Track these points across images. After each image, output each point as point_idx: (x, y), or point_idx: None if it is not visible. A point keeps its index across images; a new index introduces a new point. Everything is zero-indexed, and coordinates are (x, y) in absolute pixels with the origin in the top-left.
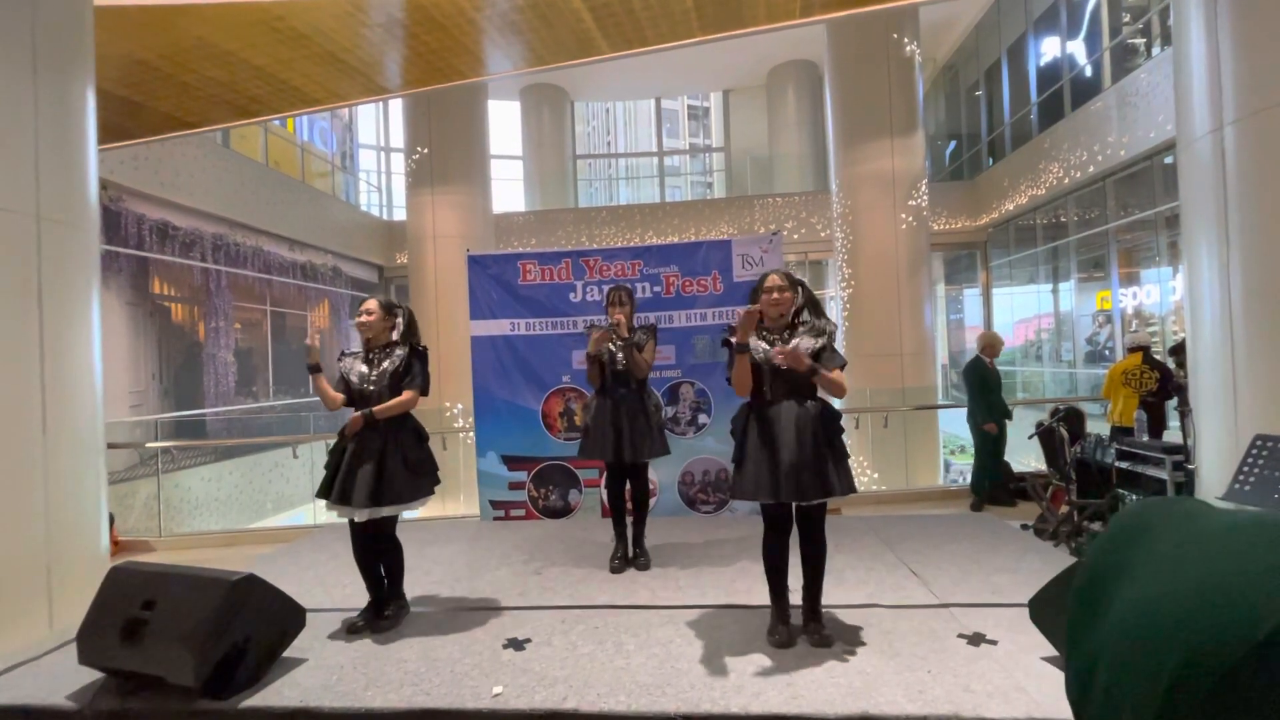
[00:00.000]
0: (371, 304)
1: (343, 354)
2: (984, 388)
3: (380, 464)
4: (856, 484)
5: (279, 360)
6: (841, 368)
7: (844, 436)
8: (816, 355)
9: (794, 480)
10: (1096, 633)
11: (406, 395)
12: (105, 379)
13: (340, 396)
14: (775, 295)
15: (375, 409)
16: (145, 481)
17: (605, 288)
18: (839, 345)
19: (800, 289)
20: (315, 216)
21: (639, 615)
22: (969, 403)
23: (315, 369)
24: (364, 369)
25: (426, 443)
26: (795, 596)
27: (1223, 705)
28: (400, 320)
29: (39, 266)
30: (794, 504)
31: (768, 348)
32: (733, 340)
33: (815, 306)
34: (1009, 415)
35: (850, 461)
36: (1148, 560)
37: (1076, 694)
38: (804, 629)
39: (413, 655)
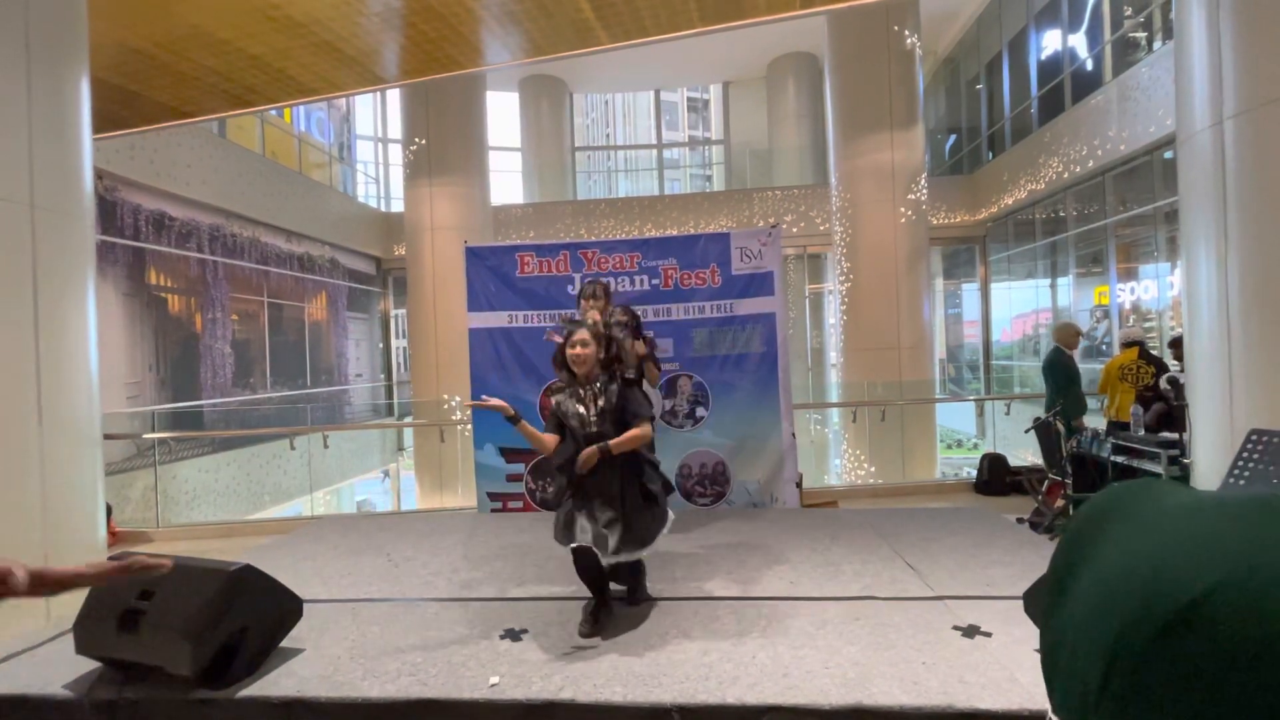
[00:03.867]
0: (584, 334)
1: (549, 389)
2: (1068, 380)
3: (623, 506)
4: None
5: (276, 352)
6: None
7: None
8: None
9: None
10: (1063, 613)
11: (642, 429)
12: (102, 370)
13: (555, 437)
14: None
15: (612, 443)
16: (142, 472)
17: (602, 280)
18: (836, 342)
19: (607, 344)
20: (312, 208)
21: (636, 606)
22: (1050, 395)
23: (516, 419)
24: (580, 409)
25: (659, 468)
26: (796, 589)
27: (1159, 669)
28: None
29: (34, 256)
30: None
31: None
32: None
33: (620, 359)
34: (1085, 410)
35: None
36: (1112, 541)
37: (1048, 672)
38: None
39: (410, 646)
